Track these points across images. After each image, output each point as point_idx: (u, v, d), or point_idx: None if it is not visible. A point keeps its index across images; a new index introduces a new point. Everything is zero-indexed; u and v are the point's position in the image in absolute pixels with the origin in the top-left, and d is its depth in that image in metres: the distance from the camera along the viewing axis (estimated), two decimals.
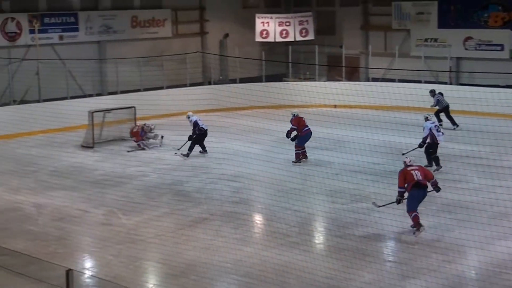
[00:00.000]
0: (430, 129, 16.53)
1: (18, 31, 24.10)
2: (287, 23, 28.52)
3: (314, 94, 23.08)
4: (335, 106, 24.91)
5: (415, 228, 12.09)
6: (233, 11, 30.04)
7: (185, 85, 25.22)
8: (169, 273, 10.96)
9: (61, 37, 25.13)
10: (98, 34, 26.08)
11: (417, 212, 12.08)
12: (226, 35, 29.61)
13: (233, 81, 26.57)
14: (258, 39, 28.63)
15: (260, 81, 26.57)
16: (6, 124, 21.48)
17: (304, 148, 17.94)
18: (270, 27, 28.51)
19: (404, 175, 12.13)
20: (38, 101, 23.03)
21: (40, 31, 24.14)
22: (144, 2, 27.61)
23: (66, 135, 21.69)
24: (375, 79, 26.81)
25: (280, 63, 27.43)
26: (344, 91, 22.68)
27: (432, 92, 22.15)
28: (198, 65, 27.30)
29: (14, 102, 23.18)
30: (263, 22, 28.57)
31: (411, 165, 12.34)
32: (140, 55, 25.12)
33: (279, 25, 28.54)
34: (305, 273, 10.51)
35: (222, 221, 13.30)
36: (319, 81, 26.42)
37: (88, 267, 11.48)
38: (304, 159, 17.88)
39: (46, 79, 22.88)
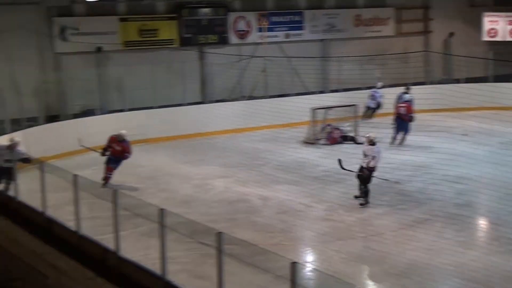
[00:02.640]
0: None
1: (247, 29, 25.07)
2: None
3: None
4: None
5: None
6: (459, 10, 28.77)
7: (405, 84, 24.61)
8: (390, 272, 10.74)
9: (287, 35, 25.76)
10: (322, 32, 26.35)
11: None
12: (451, 34, 28.43)
13: (457, 80, 25.42)
14: (485, 38, 27.13)
15: (486, 81, 25.12)
16: (236, 118, 22.52)
17: None
18: (499, 25, 26.88)
19: None
20: (264, 97, 23.83)
21: (268, 30, 24.98)
22: (368, 1, 27.42)
23: (290, 131, 22.17)
24: None
25: (509, 63, 25.70)
26: None
27: None
28: (421, 64, 26.51)
29: (243, 97, 24.21)
30: (491, 21, 27.02)
31: None
32: (362, 54, 24.98)
33: (509, 24, 26.80)
34: None
35: (445, 223, 12.76)
36: None
37: (310, 260, 11.62)
38: None
39: (272, 76, 23.61)
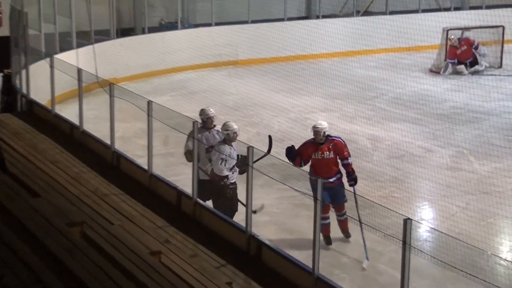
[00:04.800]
0: None
1: None
2: None
3: None
4: None
5: None
6: None
7: None
8: None
9: None
10: None
11: None
12: None
13: None
14: None
15: None
16: (347, 38, 22.20)
17: None
18: None
19: None
20: (384, 13, 23.38)
21: None
22: None
23: (414, 56, 21.74)
24: None
25: None
26: None
27: None
28: None
29: (357, 13, 23.80)
30: None
31: None
32: None
33: None
34: None
35: None
36: None
37: (428, 218, 11.50)
38: None
39: None
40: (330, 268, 9.39)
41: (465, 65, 20.41)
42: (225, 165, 9.81)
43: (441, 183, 12.61)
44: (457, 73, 20.37)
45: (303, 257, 8.79)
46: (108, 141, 12.40)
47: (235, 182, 9.99)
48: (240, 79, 19.92)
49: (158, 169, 11.47)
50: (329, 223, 10.08)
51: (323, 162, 10.01)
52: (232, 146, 9.90)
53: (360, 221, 9.48)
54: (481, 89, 18.50)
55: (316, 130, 10.06)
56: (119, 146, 12.54)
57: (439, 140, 14.90)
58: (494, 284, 7.26)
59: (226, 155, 9.75)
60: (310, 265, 8.28)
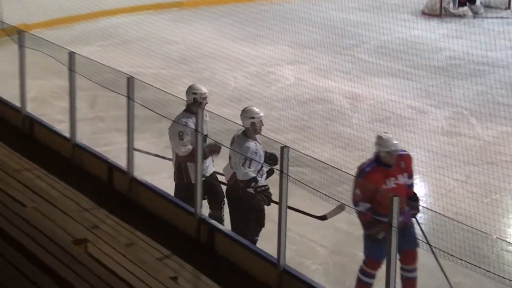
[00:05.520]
0: None
1: None
2: None
3: None
4: None
5: None
6: None
7: None
8: None
9: None
10: None
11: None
12: None
13: None
14: None
15: None
16: None
17: None
18: None
19: None
20: None
21: None
22: None
23: None
24: None
25: None
26: None
27: None
28: None
29: None
30: None
31: None
32: None
33: None
34: None
35: None
36: None
37: (419, 194, 11.41)
38: None
39: None
40: (299, 258, 9.44)
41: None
42: (249, 166, 9.05)
43: (436, 152, 12.72)
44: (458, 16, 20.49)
45: (268, 245, 8.79)
46: (17, 103, 12.25)
47: (266, 185, 9.16)
48: (186, 24, 19.82)
49: (84, 138, 11.39)
50: (372, 284, 8.68)
51: (398, 192, 8.00)
52: (256, 140, 9.25)
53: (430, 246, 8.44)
54: (485, 35, 18.50)
55: (391, 152, 8.36)
56: (32, 109, 12.40)
57: (433, 98, 15.04)
58: (500, 275, 7.32)
59: (254, 153, 9.07)
60: (275, 255, 8.28)
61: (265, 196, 9.02)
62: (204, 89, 9.70)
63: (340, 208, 8.94)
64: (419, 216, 8.78)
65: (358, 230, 8.76)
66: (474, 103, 14.68)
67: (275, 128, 13.02)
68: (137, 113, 10.03)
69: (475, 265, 7.27)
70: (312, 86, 15.69)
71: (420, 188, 11.93)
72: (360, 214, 8.31)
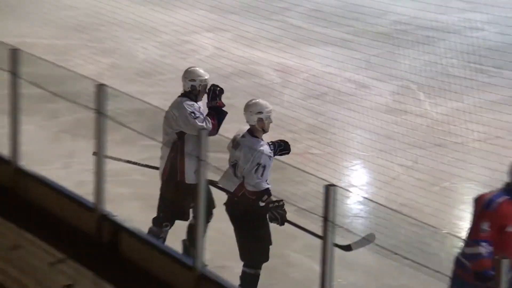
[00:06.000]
0: None
1: None
2: None
3: None
4: None
5: None
6: None
7: None
8: None
9: None
10: None
11: None
12: None
13: None
14: None
15: None
16: None
17: None
18: None
19: None
20: None
21: None
22: None
23: None
24: None
25: None
26: None
27: None
28: None
29: None
30: None
31: None
32: None
33: None
34: None
35: None
36: None
37: (359, 183, 11.77)
38: None
39: None
40: (220, 260, 9.38)
41: None
42: (262, 174, 8.64)
43: (379, 133, 12.82)
44: None
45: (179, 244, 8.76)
46: None
47: (281, 200, 8.73)
48: None
49: None
50: None
51: None
52: (263, 141, 8.89)
53: None
54: None
55: None
56: None
57: (376, 70, 15.17)
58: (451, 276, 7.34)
59: (269, 157, 8.70)
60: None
61: (278, 213, 8.59)
62: (205, 74, 9.39)
63: (370, 238, 8.47)
64: None
65: (289, 227, 8.72)
66: (422, 75, 14.85)
67: None
68: (25, 92, 9.85)
69: (422, 265, 7.28)
70: (236, 57, 15.73)
71: (360, 175, 12.05)
72: (475, 259, 7.29)
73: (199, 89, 9.23)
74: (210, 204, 9.14)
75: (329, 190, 7.00)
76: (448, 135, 12.75)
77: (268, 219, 8.64)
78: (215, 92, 9.24)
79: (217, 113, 9.14)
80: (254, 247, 8.91)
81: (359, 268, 8.79)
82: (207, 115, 9.10)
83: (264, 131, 8.86)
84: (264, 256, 8.92)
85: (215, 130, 9.07)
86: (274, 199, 8.63)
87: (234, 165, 8.81)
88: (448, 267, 7.76)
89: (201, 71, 9.37)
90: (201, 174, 7.82)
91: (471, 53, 15.73)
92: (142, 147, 11.26)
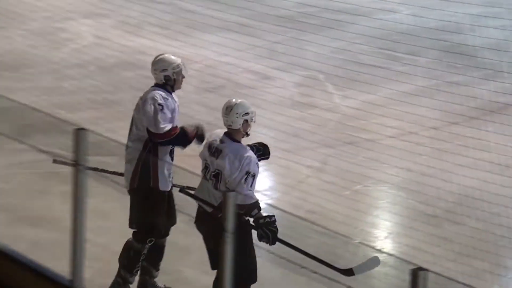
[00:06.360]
0: None
1: None
2: None
3: None
4: None
5: None
6: None
7: None
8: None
9: None
10: None
11: None
12: None
13: None
14: None
15: None
16: None
17: None
18: None
19: None
20: None
21: None
22: None
23: None
24: None
25: None
26: None
27: None
28: None
29: None
30: None
31: None
32: None
33: None
34: None
35: None
36: None
37: (261, 188, 11.58)
38: None
39: None
40: (102, 278, 9.22)
41: None
42: (251, 184, 8.33)
43: (283, 131, 12.91)
44: None
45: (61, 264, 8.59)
46: None
47: (273, 216, 8.39)
48: None
49: None
50: None
51: None
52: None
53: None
54: None
55: None
56: None
57: (279, 59, 15.24)
58: None
59: (256, 164, 8.37)
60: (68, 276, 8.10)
61: (269, 231, 8.20)
62: (176, 59, 9.12)
63: (374, 262, 8.22)
64: None
65: (183, 239, 8.66)
66: (330, 64, 15.04)
67: (68, 105, 12.95)
68: None
69: (332, 280, 7.31)
70: (118, 46, 15.81)
71: (262, 179, 11.99)
72: None
73: (174, 78, 9.09)
74: (172, 219, 9.02)
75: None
76: (359, 132, 12.91)
77: (257, 237, 8.22)
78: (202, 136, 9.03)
79: (182, 135, 8.96)
80: (242, 269, 8.52)
81: (264, 283, 8.72)
82: (181, 127, 8.95)
83: (247, 134, 8.51)
84: (254, 276, 8.56)
85: (165, 140, 8.91)
86: (264, 214, 8.31)
87: (215, 175, 8.41)
88: (362, 281, 7.79)
89: (171, 56, 9.15)
90: (79, 181, 7.73)
91: (384, 38, 15.95)
92: (10, 152, 11.09)
